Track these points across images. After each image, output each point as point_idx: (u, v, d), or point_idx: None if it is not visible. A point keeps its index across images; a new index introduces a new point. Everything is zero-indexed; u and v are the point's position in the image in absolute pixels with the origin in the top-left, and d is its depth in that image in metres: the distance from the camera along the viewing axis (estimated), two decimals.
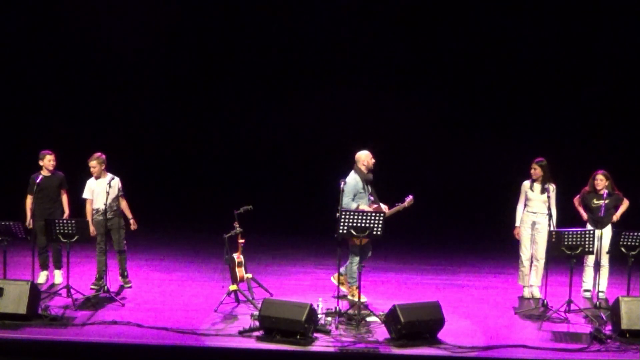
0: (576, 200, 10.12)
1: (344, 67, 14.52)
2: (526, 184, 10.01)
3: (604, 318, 8.95)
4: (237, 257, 9.56)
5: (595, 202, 9.82)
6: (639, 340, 8.16)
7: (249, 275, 9.65)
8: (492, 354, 7.96)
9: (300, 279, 10.85)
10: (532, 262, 10.01)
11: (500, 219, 10.93)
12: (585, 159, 11.77)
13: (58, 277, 10.28)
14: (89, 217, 9.82)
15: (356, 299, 8.98)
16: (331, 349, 7.96)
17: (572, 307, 9.13)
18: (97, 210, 9.83)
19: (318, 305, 8.62)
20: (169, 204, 14.39)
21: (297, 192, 14.16)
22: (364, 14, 14.30)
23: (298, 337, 8.03)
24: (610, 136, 13.83)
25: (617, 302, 8.46)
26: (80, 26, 14.20)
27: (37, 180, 9.94)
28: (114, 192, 9.83)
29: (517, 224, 10.02)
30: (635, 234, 8.97)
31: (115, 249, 10.03)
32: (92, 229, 9.68)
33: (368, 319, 8.73)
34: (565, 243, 8.94)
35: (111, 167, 10.06)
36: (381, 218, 8.54)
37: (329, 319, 8.63)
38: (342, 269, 9.59)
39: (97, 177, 9.88)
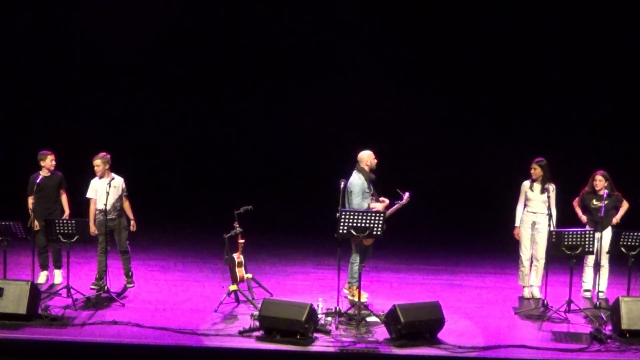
0: (575, 202, 10.10)
1: (344, 67, 14.53)
2: (526, 184, 10.00)
3: (604, 318, 8.94)
4: (237, 257, 9.54)
5: (595, 203, 9.80)
6: (639, 340, 8.16)
7: (249, 275, 9.64)
8: (492, 354, 7.96)
9: (300, 279, 10.84)
10: (532, 262, 9.99)
11: (500, 219, 10.92)
12: (585, 159, 11.78)
13: (58, 277, 10.27)
14: (92, 217, 9.79)
15: (356, 299, 8.98)
16: (331, 349, 7.96)
17: (572, 307, 9.12)
18: (99, 210, 9.81)
19: (318, 305, 8.62)
20: (168, 204, 14.38)
21: (297, 192, 14.14)
22: (364, 14, 14.30)
23: (298, 337, 8.03)
24: (610, 136, 13.83)
25: (617, 302, 8.46)
26: (81, 26, 14.24)
27: (37, 181, 9.92)
28: (117, 192, 9.82)
29: (517, 224, 10.01)
30: (635, 234, 8.97)
31: (117, 249, 10.00)
32: (93, 228, 9.67)
33: (368, 319, 8.72)
34: (565, 243, 8.94)
35: (111, 167, 10.04)
36: (381, 218, 8.55)
37: (329, 319, 8.63)
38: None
39: (101, 177, 9.86)
